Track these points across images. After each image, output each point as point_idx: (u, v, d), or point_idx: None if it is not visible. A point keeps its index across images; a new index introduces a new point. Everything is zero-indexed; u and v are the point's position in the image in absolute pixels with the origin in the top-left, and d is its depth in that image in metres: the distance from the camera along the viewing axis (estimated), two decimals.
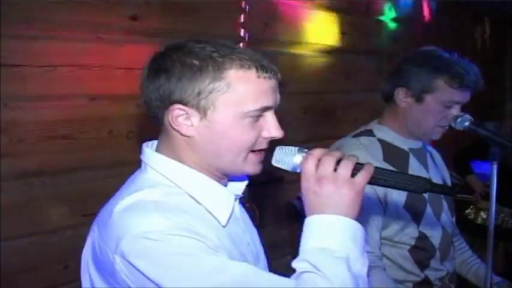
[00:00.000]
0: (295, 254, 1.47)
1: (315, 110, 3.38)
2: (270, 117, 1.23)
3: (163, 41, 2.32)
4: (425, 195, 1.99)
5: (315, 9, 3.29)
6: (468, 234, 2.44)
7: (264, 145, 1.25)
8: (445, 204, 2.08)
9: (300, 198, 2.62)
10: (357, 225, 1.15)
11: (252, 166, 1.25)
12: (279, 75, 1.23)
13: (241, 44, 2.71)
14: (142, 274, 1.07)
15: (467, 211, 3.34)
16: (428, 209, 1.99)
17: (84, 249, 1.25)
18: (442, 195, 2.06)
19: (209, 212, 1.21)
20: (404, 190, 1.32)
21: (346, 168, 1.15)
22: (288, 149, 1.22)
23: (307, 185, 1.17)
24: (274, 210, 3.08)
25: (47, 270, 2.13)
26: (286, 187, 2.96)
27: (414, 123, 1.99)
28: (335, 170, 1.15)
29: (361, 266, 1.12)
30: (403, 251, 1.97)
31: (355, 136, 2.06)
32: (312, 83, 3.32)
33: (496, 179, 1.79)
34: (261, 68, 1.18)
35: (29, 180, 2.06)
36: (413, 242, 1.97)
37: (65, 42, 2.12)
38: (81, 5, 2.14)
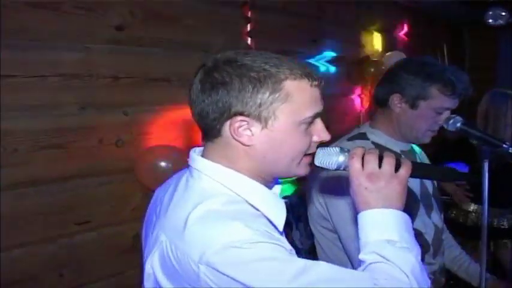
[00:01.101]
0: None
1: None
2: (319, 122, 1.31)
3: (149, 50, 2.45)
4: (418, 195, 2.10)
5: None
6: (459, 237, 2.55)
7: (314, 149, 1.33)
8: (434, 203, 2.19)
9: (286, 198, 2.69)
10: (406, 216, 1.26)
11: (304, 168, 1.33)
12: (322, 81, 1.30)
13: None
14: (236, 281, 1.10)
15: (454, 213, 3.47)
16: (421, 207, 2.09)
17: (147, 261, 1.26)
18: (431, 194, 2.17)
19: (267, 219, 1.26)
20: (437, 180, 1.60)
21: (390, 164, 1.26)
22: (330, 149, 1.31)
23: (358, 181, 1.26)
24: None
25: (42, 279, 2.13)
26: None
27: (407, 128, 2.09)
28: (379, 166, 1.26)
29: (418, 252, 1.22)
30: None
31: (350, 139, 2.14)
32: None
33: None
34: (311, 77, 1.26)
35: (23, 190, 2.07)
36: None
37: (54, 52, 2.13)
38: (68, 15, 2.16)
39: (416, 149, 2.29)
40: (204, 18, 2.72)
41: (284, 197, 2.62)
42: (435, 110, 2.03)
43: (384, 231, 1.22)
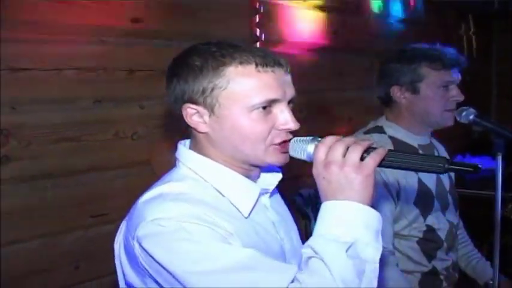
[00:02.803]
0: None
1: (311, 108, 3.42)
2: (280, 110, 1.25)
3: (165, 43, 2.43)
4: (433, 191, 2.07)
5: (307, 9, 3.33)
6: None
7: (283, 136, 1.27)
8: (450, 198, 2.16)
9: (301, 195, 2.66)
10: (368, 210, 1.15)
11: (275, 157, 1.28)
12: (286, 68, 1.26)
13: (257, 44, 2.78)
14: (152, 258, 1.13)
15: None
16: (436, 204, 2.07)
17: (115, 241, 1.32)
18: (447, 191, 2.13)
19: (232, 204, 1.26)
20: (421, 171, 1.29)
21: (354, 152, 1.15)
22: (302, 139, 1.25)
23: (317, 171, 1.18)
24: None
25: (57, 272, 2.14)
26: (286, 184, 2.99)
27: (423, 115, 2.07)
28: (344, 155, 1.15)
29: (372, 251, 1.12)
30: (411, 243, 2.05)
31: (366, 133, 2.13)
32: (308, 82, 3.36)
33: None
34: (262, 62, 1.22)
35: (38, 182, 2.07)
36: (421, 235, 2.05)
37: (69, 45, 2.14)
38: (83, 8, 2.15)
39: (436, 143, 2.25)
40: (222, 10, 2.69)
41: (302, 190, 2.60)
42: (438, 87, 2.02)
43: (328, 224, 1.13)
